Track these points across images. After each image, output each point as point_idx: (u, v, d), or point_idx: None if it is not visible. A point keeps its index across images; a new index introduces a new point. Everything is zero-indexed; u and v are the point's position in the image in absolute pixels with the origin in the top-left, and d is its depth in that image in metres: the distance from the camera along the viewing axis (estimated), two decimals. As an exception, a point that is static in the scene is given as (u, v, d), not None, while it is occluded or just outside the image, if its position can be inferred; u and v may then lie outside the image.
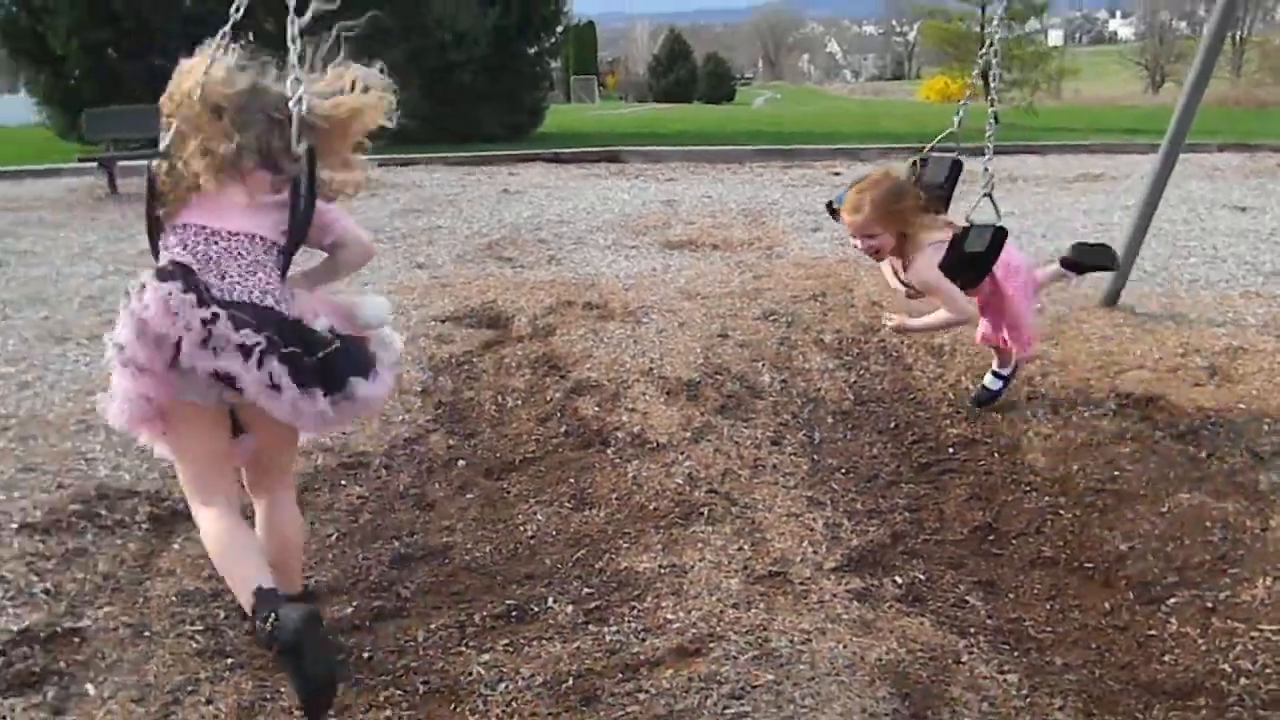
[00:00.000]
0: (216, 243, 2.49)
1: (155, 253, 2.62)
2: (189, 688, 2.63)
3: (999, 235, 3.87)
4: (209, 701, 2.58)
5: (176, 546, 3.37)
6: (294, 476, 3.11)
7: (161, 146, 2.57)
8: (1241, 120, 20.92)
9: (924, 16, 29.78)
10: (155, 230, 2.62)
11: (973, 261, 3.94)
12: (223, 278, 2.45)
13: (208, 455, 2.55)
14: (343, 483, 3.91)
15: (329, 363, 2.45)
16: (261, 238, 2.54)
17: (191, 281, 2.32)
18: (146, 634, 2.87)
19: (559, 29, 20.68)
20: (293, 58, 2.55)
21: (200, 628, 2.94)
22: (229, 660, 2.78)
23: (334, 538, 3.55)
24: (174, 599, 3.06)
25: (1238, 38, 44.09)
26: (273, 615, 2.21)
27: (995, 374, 4.51)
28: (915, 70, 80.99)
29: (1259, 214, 8.51)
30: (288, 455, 2.84)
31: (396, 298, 5.98)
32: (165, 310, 2.26)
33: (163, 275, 2.32)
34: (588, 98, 46.85)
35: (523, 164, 13.16)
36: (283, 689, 2.61)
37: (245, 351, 2.32)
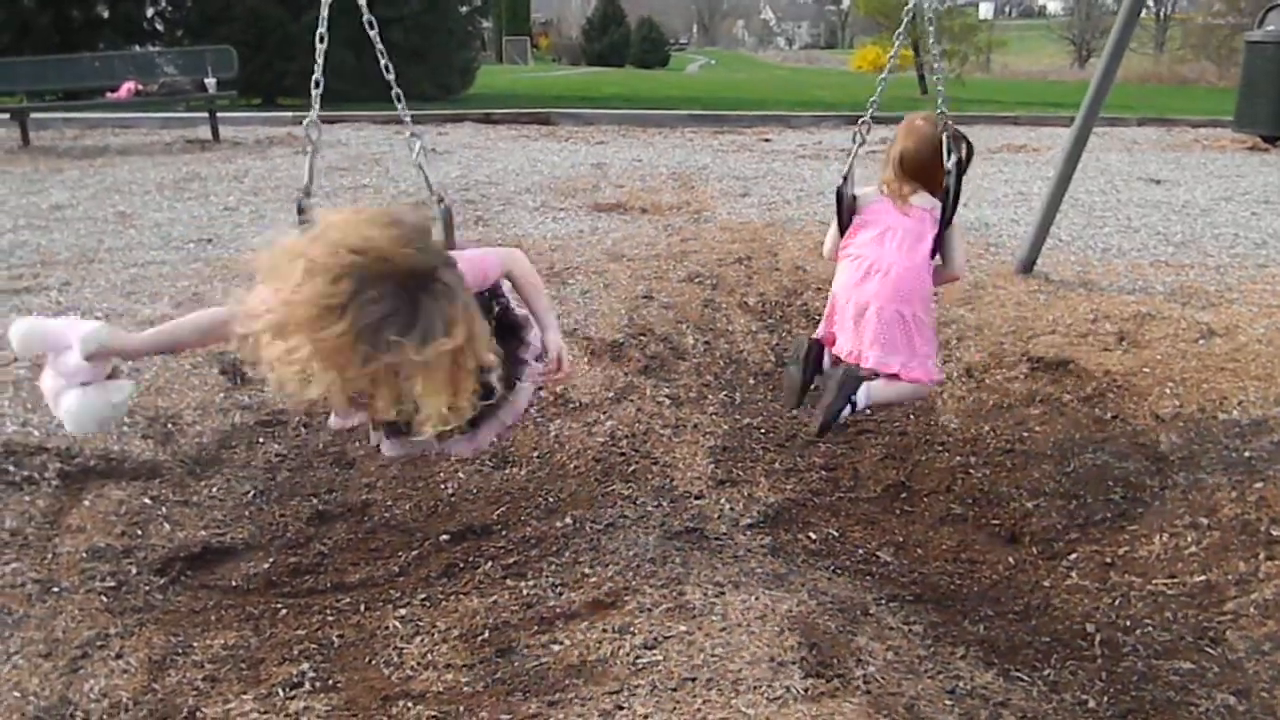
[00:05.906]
0: None
1: None
2: (98, 642, 2.60)
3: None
4: (119, 656, 2.55)
5: (87, 503, 3.31)
6: None
7: None
8: (1162, 96, 21.37)
9: (856, -14, 29.86)
10: None
11: None
12: None
13: None
14: (260, 440, 3.86)
15: None
16: None
17: None
18: (55, 590, 2.83)
19: (491, -12, 20.42)
20: None
21: (111, 584, 2.90)
22: (140, 615, 2.75)
23: (250, 495, 3.52)
24: (84, 555, 3.02)
25: (1161, 14, 44.82)
26: None
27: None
28: (849, 39, 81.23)
29: (1173, 186, 8.73)
30: None
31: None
32: None
33: None
34: (520, 59, 46.22)
35: (452, 124, 12.93)
36: (194, 644, 2.60)
37: None
